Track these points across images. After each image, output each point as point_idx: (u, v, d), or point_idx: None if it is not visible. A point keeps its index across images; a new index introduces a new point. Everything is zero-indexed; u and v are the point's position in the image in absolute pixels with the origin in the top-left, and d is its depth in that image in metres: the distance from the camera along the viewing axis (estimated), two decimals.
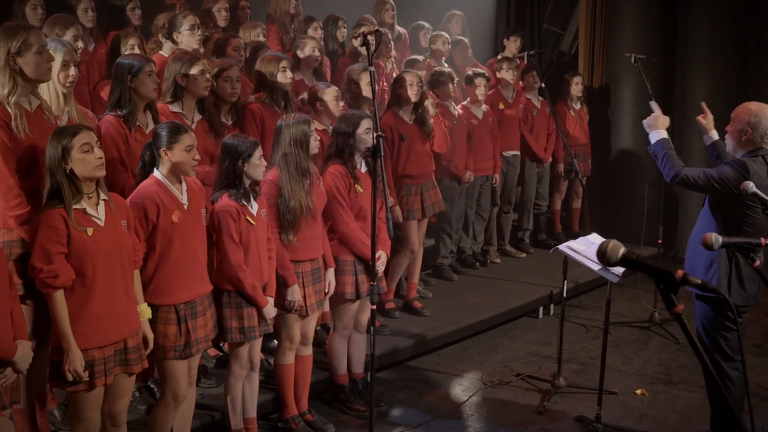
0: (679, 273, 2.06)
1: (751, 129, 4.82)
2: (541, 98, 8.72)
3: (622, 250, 2.18)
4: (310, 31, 7.47)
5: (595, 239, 5.37)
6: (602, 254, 2.24)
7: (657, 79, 8.52)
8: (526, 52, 8.32)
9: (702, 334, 5.02)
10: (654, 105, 5.45)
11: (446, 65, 7.99)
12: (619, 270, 4.95)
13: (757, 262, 3.46)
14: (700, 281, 2.08)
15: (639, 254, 2.14)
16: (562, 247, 5.33)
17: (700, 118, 5.36)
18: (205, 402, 5.24)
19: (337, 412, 5.63)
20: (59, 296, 3.81)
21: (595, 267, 5.03)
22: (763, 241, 3.44)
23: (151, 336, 4.20)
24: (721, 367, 4.94)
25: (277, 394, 5.32)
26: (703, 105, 5.42)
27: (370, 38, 4.59)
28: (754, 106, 4.89)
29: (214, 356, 5.80)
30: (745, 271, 4.88)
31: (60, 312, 3.81)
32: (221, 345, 5.74)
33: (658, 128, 5.18)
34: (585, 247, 5.20)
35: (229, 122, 5.54)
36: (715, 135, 5.34)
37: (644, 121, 5.29)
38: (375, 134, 4.63)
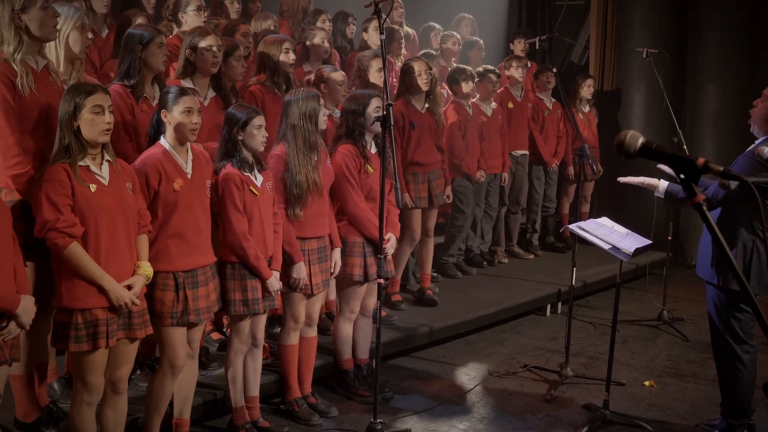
0: (701, 160, 1.98)
1: None
2: (553, 100, 8.68)
3: (641, 139, 2.08)
4: (319, 23, 7.46)
5: (605, 222, 5.30)
6: (620, 144, 2.11)
7: (668, 83, 8.46)
8: (537, 37, 8.28)
9: (714, 316, 4.92)
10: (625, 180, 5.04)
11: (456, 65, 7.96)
12: (630, 248, 4.87)
13: None
14: (721, 168, 2.00)
15: (659, 143, 2.04)
16: (573, 226, 5.26)
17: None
18: (207, 381, 5.17)
19: (341, 397, 5.55)
20: (76, 245, 3.76)
21: (606, 246, 4.96)
22: None
23: (138, 289, 3.96)
24: (733, 349, 4.84)
25: (281, 376, 5.25)
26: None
27: (382, 6, 4.55)
28: None
29: (217, 340, 5.74)
30: (764, 258, 4.73)
31: (84, 258, 3.77)
32: (224, 330, 5.69)
33: (656, 183, 4.91)
34: (595, 228, 5.14)
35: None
36: (663, 184, 4.93)
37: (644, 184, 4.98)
38: (384, 103, 4.56)
